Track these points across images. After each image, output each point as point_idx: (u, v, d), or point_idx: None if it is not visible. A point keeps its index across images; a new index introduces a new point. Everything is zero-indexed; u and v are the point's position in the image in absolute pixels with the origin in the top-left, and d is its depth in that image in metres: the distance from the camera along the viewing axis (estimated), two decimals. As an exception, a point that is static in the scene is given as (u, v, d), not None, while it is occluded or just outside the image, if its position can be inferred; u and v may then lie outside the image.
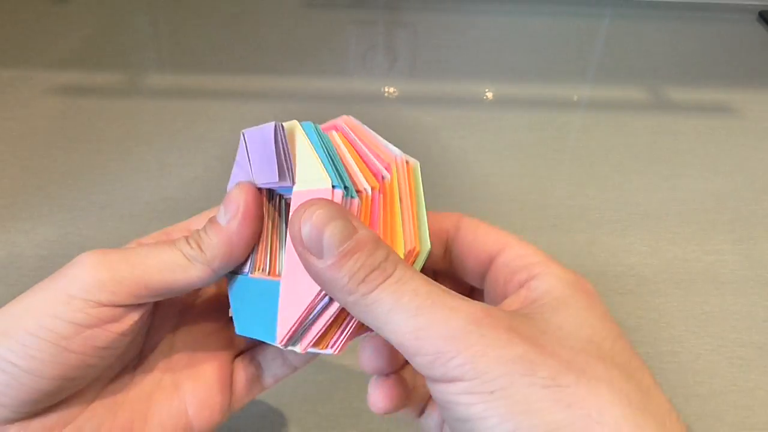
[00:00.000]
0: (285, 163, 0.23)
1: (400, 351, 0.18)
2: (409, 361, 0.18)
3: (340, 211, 0.19)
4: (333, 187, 0.21)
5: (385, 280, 0.18)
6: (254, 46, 0.69)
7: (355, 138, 0.24)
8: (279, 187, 0.23)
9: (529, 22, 0.78)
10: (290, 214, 0.21)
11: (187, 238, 0.22)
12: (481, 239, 0.23)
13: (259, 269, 0.24)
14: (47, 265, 0.42)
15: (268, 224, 0.24)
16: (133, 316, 0.21)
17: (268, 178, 0.23)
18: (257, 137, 0.23)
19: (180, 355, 0.25)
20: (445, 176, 0.51)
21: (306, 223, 0.19)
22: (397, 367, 0.24)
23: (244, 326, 0.24)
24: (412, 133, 0.56)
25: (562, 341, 0.18)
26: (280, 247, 0.24)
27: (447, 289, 0.19)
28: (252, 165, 0.23)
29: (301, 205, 0.19)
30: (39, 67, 0.63)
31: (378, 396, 0.24)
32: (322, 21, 0.75)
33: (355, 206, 0.21)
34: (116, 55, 0.66)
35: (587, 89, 0.65)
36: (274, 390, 0.28)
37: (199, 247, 0.22)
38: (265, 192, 0.24)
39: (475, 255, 0.23)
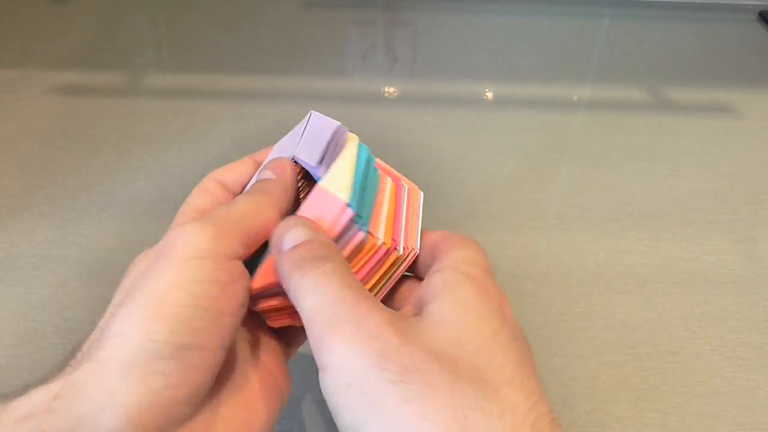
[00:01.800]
0: (328, 156, 0.25)
1: (306, 332, 0.20)
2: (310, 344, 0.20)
3: (315, 229, 0.22)
4: (347, 205, 0.23)
5: (313, 270, 0.20)
6: (254, 46, 0.69)
7: (404, 202, 0.26)
8: (311, 169, 0.25)
9: (529, 22, 0.78)
10: (305, 202, 0.23)
11: (248, 193, 0.24)
12: (439, 245, 0.24)
13: None
14: (47, 264, 0.42)
15: (300, 198, 0.27)
16: (244, 270, 0.22)
17: (308, 158, 0.25)
18: (319, 123, 0.26)
19: (246, 343, 0.25)
20: (444, 176, 0.51)
21: (288, 233, 0.22)
22: None
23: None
24: (412, 133, 0.56)
25: (427, 340, 0.19)
26: None
27: (362, 290, 0.20)
28: (301, 141, 0.26)
29: (291, 218, 0.22)
30: (39, 67, 0.63)
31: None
32: (322, 21, 0.75)
33: (358, 238, 0.23)
34: (116, 55, 0.66)
35: (587, 89, 0.65)
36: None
37: (262, 193, 0.24)
38: (297, 170, 0.27)
39: (431, 259, 0.24)
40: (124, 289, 0.22)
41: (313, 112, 0.27)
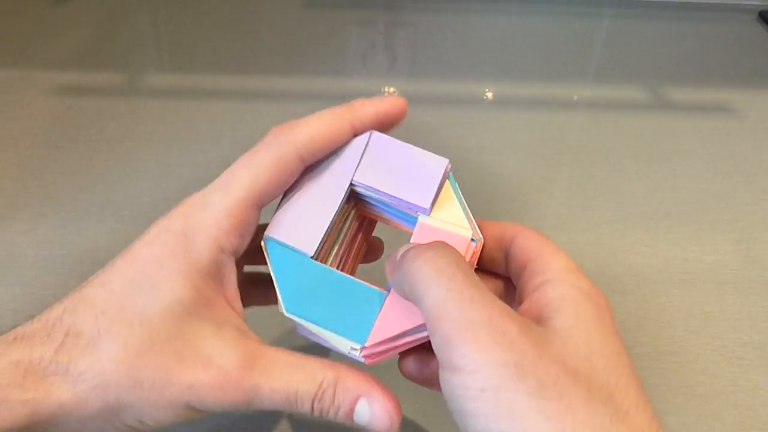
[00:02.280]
0: (437, 196, 0.25)
1: (427, 325, 0.20)
2: (431, 338, 0.20)
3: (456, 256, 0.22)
4: (472, 240, 0.24)
5: (434, 260, 0.21)
6: (254, 46, 0.69)
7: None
8: (408, 207, 0.25)
9: (529, 22, 0.78)
10: (413, 238, 0.24)
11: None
12: (520, 244, 0.24)
13: (325, 260, 0.25)
14: (47, 265, 0.42)
15: (342, 223, 0.27)
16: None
17: (413, 198, 0.25)
18: (401, 152, 0.27)
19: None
20: (445, 176, 0.51)
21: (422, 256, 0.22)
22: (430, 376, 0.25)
23: (296, 307, 0.24)
24: (412, 133, 0.56)
25: (560, 355, 0.19)
26: (351, 254, 0.28)
27: (488, 290, 0.20)
28: (363, 164, 0.26)
29: (434, 243, 0.22)
30: (39, 67, 0.63)
31: (409, 360, 0.25)
32: (322, 21, 0.75)
33: (473, 248, 0.24)
34: (116, 55, 0.66)
35: (587, 89, 0.65)
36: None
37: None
38: (351, 196, 0.26)
39: (518, 260, 0.24)
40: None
41: (374, 132, 0.27)
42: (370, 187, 0.25)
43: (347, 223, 0.28)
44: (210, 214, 0.24)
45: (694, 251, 0.45)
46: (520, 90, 0.64)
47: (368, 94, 0.27)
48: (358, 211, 0.28)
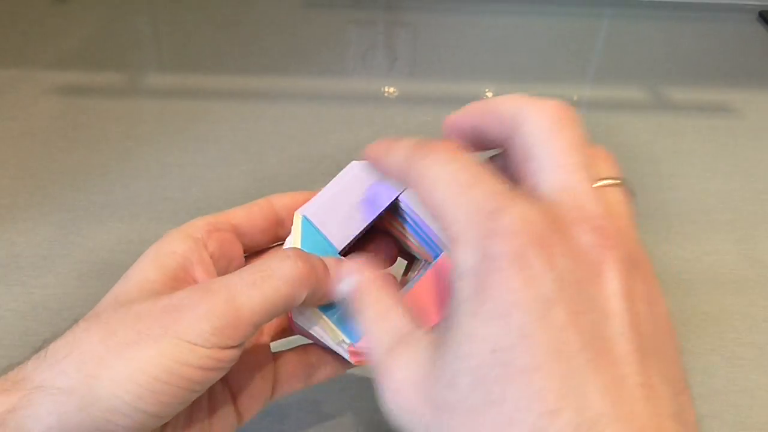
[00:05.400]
0: None
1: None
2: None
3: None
4: None
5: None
6: (254, 46, 0.69)
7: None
8: (439, 240, 0.26)
9: (529, 22, 0.78)
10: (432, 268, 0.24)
11: (296, 262, 0.22)
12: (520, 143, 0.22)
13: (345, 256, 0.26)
14: (47, 265, 0.42)
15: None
16: (240, 348, 0.22)
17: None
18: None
19: None
20: (445, 176, 0.51)
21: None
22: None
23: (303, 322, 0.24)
24: (412, 133, 0.56)
25: None
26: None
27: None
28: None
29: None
30: (39, 67, 0.63)
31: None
32: (322, 21, 0.75)
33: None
34: (116, 55, 0.66)
35: (587, 89, 0.65)
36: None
37: (309, 280, 0.22)
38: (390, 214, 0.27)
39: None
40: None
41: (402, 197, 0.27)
42: (414, 209, 0.26)
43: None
44: None
45: (694, 251, 0.45)
46: (520, 90, 0.63)
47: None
48: (384, 221, 0.28)
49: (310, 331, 0.24)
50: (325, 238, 0.25)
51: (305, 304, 0.23)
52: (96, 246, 0.43)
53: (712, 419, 0.35)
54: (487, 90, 0.63)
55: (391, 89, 0.63)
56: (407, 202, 0.26)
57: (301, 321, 0.24)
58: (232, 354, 0.21)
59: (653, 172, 0.53)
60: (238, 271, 0.22)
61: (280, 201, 0.27)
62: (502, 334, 0.16)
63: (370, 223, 0.26)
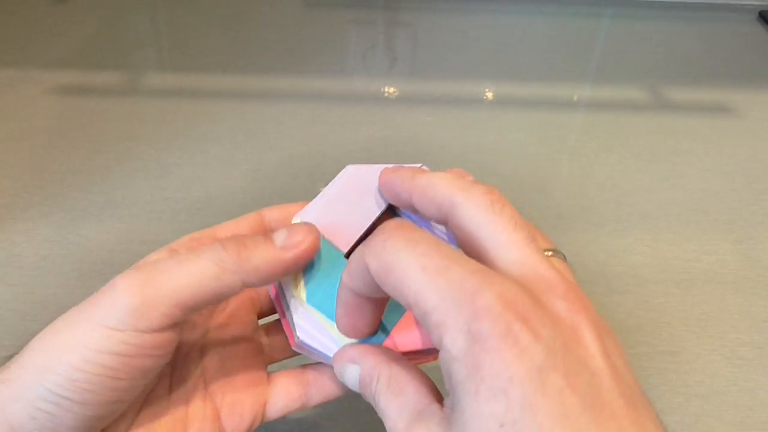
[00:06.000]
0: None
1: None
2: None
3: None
4: None
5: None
6: (254, 46, 0.69)
7: None
8: (440, 231, 0.26)
9: (529, 22, 0.78)
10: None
11: (224, 243, 0.22)
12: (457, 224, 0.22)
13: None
14: (47, 265, 0.42)
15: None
16: (172, 336, 0.21)
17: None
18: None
19: (211, 362, 0.26)
20: (445, 176, 0.51)
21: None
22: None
23: (317, 299, 0.24)
24: (412, 133, 0.56)
25: None
26: None
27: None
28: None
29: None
30: (39, 67, 0.63)
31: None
32: (322, 21, 0.75)
33: None
34: (116, 55, 0.66)
35: (587, 89, 0.65)
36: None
37: (238, 255, 0.22)
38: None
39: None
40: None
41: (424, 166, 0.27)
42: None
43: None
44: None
45: (694, 251, 0.45)
46: (520, 90, 0.64)
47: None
48: (384, 221, 0.28)
49: (311, 356, 0.24)
50: (329, 243, 0.25)
51: (257, 279, 0.22)
52: (96, 246, 0.43)
53: (712, 419, 0.35)
54: (487, 90, 0.63)
55: (391, 89, 0.63)
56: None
57: (305, 338, 0.24)
58: (155, 339, 0.21)
59: (653, 172, 0.53)
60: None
61: (270, 214, 0.27)
62: (506, 409, 0.16)
63: (371, 224, 0.26)
